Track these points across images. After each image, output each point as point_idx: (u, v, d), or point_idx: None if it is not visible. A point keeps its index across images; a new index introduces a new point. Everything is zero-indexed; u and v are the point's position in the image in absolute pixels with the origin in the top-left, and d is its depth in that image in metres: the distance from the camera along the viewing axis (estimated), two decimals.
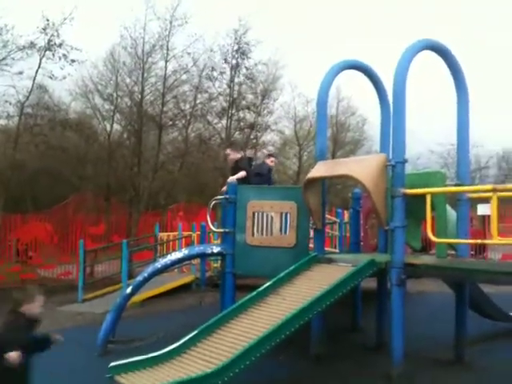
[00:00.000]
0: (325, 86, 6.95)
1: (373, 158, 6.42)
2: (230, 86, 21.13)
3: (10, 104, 15.03)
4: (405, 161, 5.97)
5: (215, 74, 20.62)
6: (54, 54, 15.28)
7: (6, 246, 15.56)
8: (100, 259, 15.15)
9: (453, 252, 7.15)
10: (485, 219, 16.32)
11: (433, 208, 6.29)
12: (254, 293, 6.09)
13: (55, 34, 15.32)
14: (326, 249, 6.90)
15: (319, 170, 6.62)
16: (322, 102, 6.99)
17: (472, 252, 13.74)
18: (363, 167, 6.14)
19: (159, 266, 7.59)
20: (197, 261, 13.10)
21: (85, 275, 12.46)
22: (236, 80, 21.18)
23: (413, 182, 6.20)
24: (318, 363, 6.46)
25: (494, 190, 5.25)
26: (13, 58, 14.54)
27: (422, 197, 5.85)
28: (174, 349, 5.38)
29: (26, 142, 16.89)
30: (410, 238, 6.90)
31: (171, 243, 14.12)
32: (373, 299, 7.95)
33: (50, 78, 14.99)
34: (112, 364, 5.08)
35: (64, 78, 15.28)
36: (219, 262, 12.45)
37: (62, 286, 14.21)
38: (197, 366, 4.98)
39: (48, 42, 15.25)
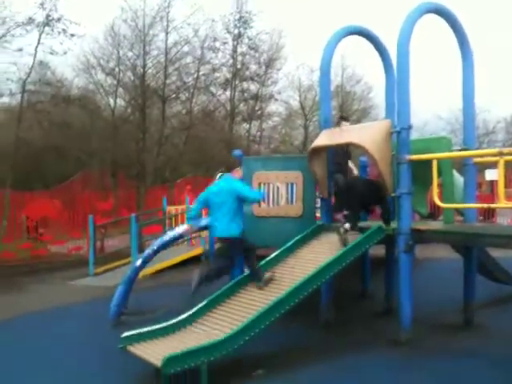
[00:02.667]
0: (328, 52, 6.85)
1: (377, 125, 6.38)
2: (233, 57, 20.91)
3: (12, 81, 15.00)
4: (410, 127, 5.92)
5: (217, 44, 20.38)
6: (53, 29, 15.16)
7: (16, 224, 15.72)
8: (109, 234, 15.28)
9: (461, 218, 7.15)
10: (493, 185, 16.23)
11: (439, 174, 6.26)
12: (263, 262, 6.15)
13: (53, 8, 15.17)
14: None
15: (324, 138, 6.59)
16: (325, 68, 6.89)
17: (481, 218, 13.73)
18: (368, 134, 6.10)
19: (167, 238, 7.64)
20: (205, 233, 13.19)
21: (95, 250, 12.58)
22: (239, 50, 20.95)
23: (418, 148, 6.16)
24: (327, 330, 6.54)
25: (501, 154, 5.20)
26: (12, 35, 14.44)
27: (428, 163, 5.81)
28: (184, 318, 5.48)
29: (30, 119, 16.86)
30: (417, 204, 6.89)
31: (179, 216, 14.17)
32: (381, 266, 8.00)
33: (51, 53, 14.89)
34: (124, 334, 5.17)
35: (65, 53, 15.18)
36: None
37: (73, 261, 14.38)
38: (208, 335, 5.07)
39: (46, 17, 15.11)
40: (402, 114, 5.95)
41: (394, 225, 6.15)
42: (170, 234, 7.77)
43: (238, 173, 6.32)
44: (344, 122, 7.17)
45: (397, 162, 5.91)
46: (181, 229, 7.89)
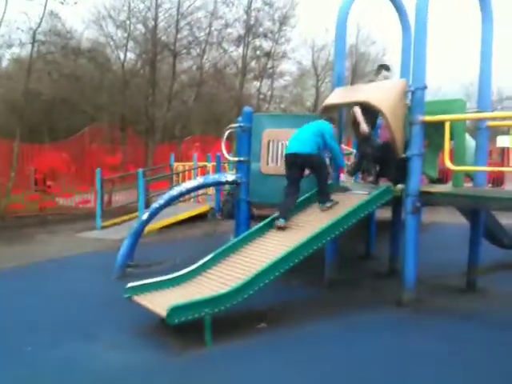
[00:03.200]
0: (345, 6, 6.66)
1: (392, 84, 6.26)
2: (246, 12, 20.42)
3: (22, 31, 14.78)
4: (425, 87, 5.80)
5: None
6: None
7: (24, 176, 15.79)
8: (117, 188, 15.34)
9: (470, 184, 7.08)
10: (504, 152, 16.04)
11: (451, 137, 6.17)
12: (269, 219, 6.15)
13: None
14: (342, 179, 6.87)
15: (336, 96, 6.47)
16: (340, 23, 6.69)
17: (489, 185, 13.63)
18: (381, 93, 5.99)
19: (175, 193, 7.66)
20: (212, 191, 13.24)
21: (103, 203, 12.65)
22: (253, 6, 20.44)
23: (432, 109, 6.05)
24: (330, 289, 6.60)
25: None
26: None
27: (441, 125, 5.71)
28: (190, 271, 5.53)
29: (39, 70, 16.69)
30: (427, 167, 6.81)
31: (187, 173, 14.19)
32: (386, 229, 8.01)
33: (61, 3, 14.56)
34: (129, 285, 5.23)
35: (75, 3, 14.81)
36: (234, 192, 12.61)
37: (81, 214, 14.52)
38: (212, 288, 5.12)
39: None
40: (417, 73, 5.81)
41: (402, 185, 6.10)
42: (176, 189, 7.78)
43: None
44: (384, 71, 6.83)
45: (410, 122, 5.81)
46: (189, 184, 7.90)
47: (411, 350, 4.62)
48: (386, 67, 6.97)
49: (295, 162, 6.22)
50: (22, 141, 14.58)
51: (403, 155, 5.92)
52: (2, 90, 20.92)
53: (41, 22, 14.71)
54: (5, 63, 23.93)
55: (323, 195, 6.21)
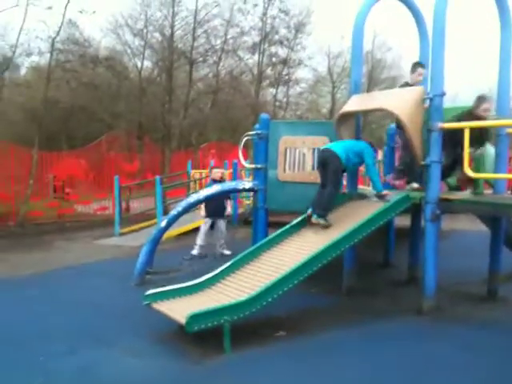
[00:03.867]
0: (362, 12, 6.65)
1: (409, 91, 6.22)
2: (262, 20, 20.51)
3: (41, 40, 15.02)
4: (443, 94, 5.76)
5: (247, 6, 19.99)
6: None
7: (43, 183, 15.99)
8: (134, 195, 15.46)
9: (490, 191, 7.00)
10: None
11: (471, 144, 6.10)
12: (287, 226, 6.16)
13: None
14: (360, 186, 6.84)
15: (353, 103, 6.46)
16: (357, 30, 6.67)
17: (509, 192, 13.42)
18: (399, 100, 5.97)
19: (192, 200, 7.69)
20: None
21: (121, 210, 12.75)
22: (269, 13, 20.53)
23: (450, 116, 6.01)
24: (349, 297, 6.55)
25: None
26: None
27: (460, 132, 5.67)
28: (208, 279, 5.54)
29: (58, 78, 16.93)
30: None
31: (203, 180, 14.25)
32: (405, 237, 7.96)
33: (80, 12, 14.80)
34: (148, 292, 5.26)
35: (93, 12, 15.05)
36: (251, 199, 12.64)
37: (99, 221, 14.65)
38: (230, 295, 5.13)
39: None
40: (435, 80, 5.77)
41: (421, 193, 6.06)
42: (194, 196, 7.82)
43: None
44: (420, 69, 6.64)
45: (428, 129, 5.78)
46: (207, 191, 7.92)
47: (430, 358, 4.57)
48: (422, 64, 6.80)
49: (322, 157, 6.22)
50: (40, 148, 14.79)
51: (422, 162, 5.88)
52: (21, 98, 21.21)
53: (59, 30, 14.96)
54: (23, 71, 24.33)
55: (322, 208, 6.08)
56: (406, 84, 6.77)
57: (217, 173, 9.19)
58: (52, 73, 15.27)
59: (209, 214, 9.05)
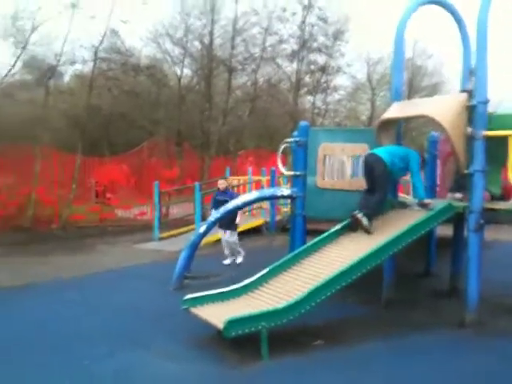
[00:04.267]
0: (404, 19, 6.57)
1: (452, 98, 6.11)
2: (301, 28, 20.50)
3: (85, 48, 15.41)
4: (487, 101, 5.64)
5: (286, 14, 20.00)
6: None
7: (85, 188, 16.38)
8: (173, 201, 15.66)
9: None
10: None
11: None
12: (326, 234, 6.12)
13: None
14: (400, 195, 6.74)
15: (395, 110, 6.38)
16: (399, 36, 6.60)
17: None
18: (442, 107, 5.87)
19: (231, 207, 7.73)
20: (266, 205, 13.28)
21: (160, 215, 12.93)
22: (307, 21, 20.49)
23: (494, 123, 5.85)
24: (388, 307, 6.44)
25: None
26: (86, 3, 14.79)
27: (504, 140, 5.53)
28: (246, 285, 5.56)
29: (100, 86, 17.34)
30: (490, 183, 6.58)
31: (241, 187, 14.31)
32: (445, 247, 7.79)
33: (123, 22, 15.16)
34: (187, 297, 5.31)
35: (135, 21, 15.41)
36: (289, 206, 12.62)
37: (139, 226, 14.90)
38: (268, 302, 5.13)
39: None
40: (479, 87, 5.66)
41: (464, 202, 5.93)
42: (233, 203, 7.85)
43: None
44: None
45: (472, 137, 5.65)
46: (245, 197, 7.94)
47: (472, 372, 4.46)
48: None
49: (367, 162, 6.22)
50: (83, 154, 15.16)
51: (465, 171, 5.75)
52: (64, 105, 21.81)
53: (102, 39, 15.33)
54: (66, 79, 25.00)
55: (370, 209, 6.05)
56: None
57: (222, 184, 9.27)
58: (94, 80, 15.65)
59: (219, 225, 8.89)
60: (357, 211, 6.08)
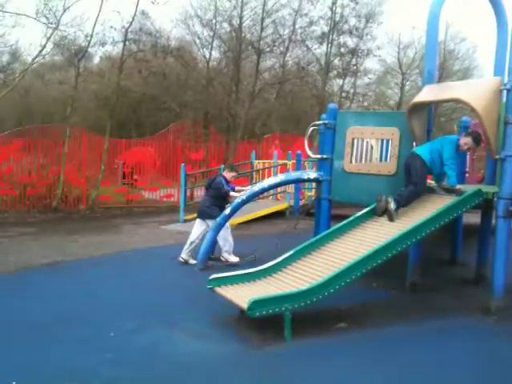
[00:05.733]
0: (437, 2, 6.41)
1: (486, 82, 5.97)
2: (331, 9, 20.18)
3: (115, 29, 15.49)
4: None
5: None
6: None
7: (112, 169, 16.60)
8: (199, 184, 15.77)
9: None
10: None
11: None
12: (351, 218, 6.09)
13: None
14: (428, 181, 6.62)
15: (427, 93, 6.25)
16: (433, 17, 6.41)
17: None
18: (475, 91, 5.73)
19: (257, 189, 7.74)
20: (291, 189, 13.26)
21: (186, 198, 13.03)
22: (339, 2, 20.15)
23: None
24: (412, 293, 6.40)
25: None
26: None
27: None
28: (270, 267, 5.58)
29: (130, 68, 17.44)
30: None
31: (266, 171, 14.31)
32: (472, 235, 7.67)
33: (152, 3, 15.13)
34: (212, 277, 5.35)
35: (165, 3, 15.37)
36: (313, 190, 12.58)
37: (164, 208, 15.07)
38: (292, 284, 5.14)
39: None
40: None
41: (494, 188, 5.82)
42: (258, 185, 7.86)
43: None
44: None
45: (504, 122, 5.52)
46: (271, 180, 7.93)
47: (496, 357, 4.42)
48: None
49: (406, 161, 6.20)
50: (111, 136, 15.33)
51: (497, 156, 5.64)
52: (94, 86, 22.03)
53: (132, 20, 15.37)
54: (96, 60, 25.24)
55: (400, 197, 5.99)
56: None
57: (229, 173, 8.14)
58: (124, 62, 15.74)
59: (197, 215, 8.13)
60: (386, 195, 6.03)
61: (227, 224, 7.71)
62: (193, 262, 7.66)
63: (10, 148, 13.59)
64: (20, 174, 13.77)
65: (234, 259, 7.75)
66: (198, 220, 8.01)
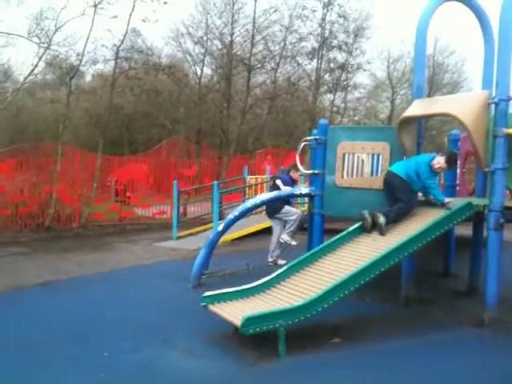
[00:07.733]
0: (425, 15, 6.51)
1: (474, 96, 6.05)
2: (321, 25, 20.40)
3: (107, 48, 15.57)
4: (509, 98, 5.57)
5: (306, 12, 19.92)
6: None
7: (105, 186, 16.56)
8: (192, 200, 15.76)
9: None
10: None
11: None
12: (344, 232, 6.10)
13: None
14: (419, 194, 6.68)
15: (416, 108, 6.33)
16: (421, 31, 6.51)
17: None
18: (463, 105, 5.81)
19: (249, 205, 7.76)
20: None
21: (179, 214, 13.01)
22: (328, 18, 20.39)
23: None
24: (406, 306, 6.41)
25: None
26: (108, 2, 14.89)
27: None
28: (263, 283, 5.58)
29: (122, 85, 17.51)
30: (511, 181, 6.51)
31: (259, 186, 14.34)
32: (464, 247, 7.70)
33: (143, 21, 15.23)
34: (206, 294, 5.34)
35: (156, 21, 15.48)
36: (306, 205, 12.60)
37: (158, 225, 15.03)
38: (286, 300, 5.14)
39: None
40: (501, 84, 5.58)
41: (484, 201, 5.87)
42: (251, 201, 7.88)
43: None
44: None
45: (493, 135, 5.59)
46: (263, 196, 7.96)
47: (491, 371, 4.42)
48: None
49: (385, 180, 6.31)
50: (103, 153, 15.32)
51: (486, 169, 5.69)
52: (86, 104, 22.06)
53: (124, 39, 15.47)
54: (88, 78, 25.31)
55: (390, 212, 6.04)
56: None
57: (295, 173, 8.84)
58: (116, 80, 15.80)
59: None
60: (369, 211, 6.12)
61: (298, 210, 8.66)
62: (282, 262, 8.28)
63: (2, 167, 13.54)
64: (12, 193, 13.71)
65: (293, 242, 8.41)
66: (270, 221, 8.83)
